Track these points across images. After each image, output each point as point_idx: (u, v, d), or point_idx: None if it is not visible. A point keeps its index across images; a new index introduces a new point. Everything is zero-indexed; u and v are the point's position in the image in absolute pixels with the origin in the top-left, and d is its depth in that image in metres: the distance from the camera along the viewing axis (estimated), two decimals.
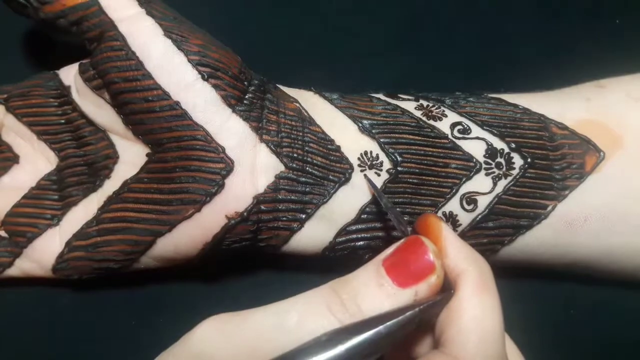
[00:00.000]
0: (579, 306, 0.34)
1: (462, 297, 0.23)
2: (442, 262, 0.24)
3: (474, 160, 0.30)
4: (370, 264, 0.24)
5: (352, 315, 0.22)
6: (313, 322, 0.22)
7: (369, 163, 0.30)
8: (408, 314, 0.22)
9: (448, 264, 0.24)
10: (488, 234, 0.30)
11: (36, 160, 0.33)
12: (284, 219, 0.29)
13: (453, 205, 0.30)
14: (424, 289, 0.23)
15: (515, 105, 0.31)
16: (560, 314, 0.34)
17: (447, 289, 0.24)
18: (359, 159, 0.30)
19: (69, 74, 0.32)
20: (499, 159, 0.30)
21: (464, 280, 0.23)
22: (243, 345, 0.22)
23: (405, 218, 0.30)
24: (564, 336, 0.33)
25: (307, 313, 0.23)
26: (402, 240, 0.25)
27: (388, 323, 0.22)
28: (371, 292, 0.23)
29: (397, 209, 0.29)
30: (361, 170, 0.30)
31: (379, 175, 0.30)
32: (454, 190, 0.30)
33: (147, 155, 0.30)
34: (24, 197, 0.32)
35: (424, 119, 0.31)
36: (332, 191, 0.29)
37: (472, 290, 0.23)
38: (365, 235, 0.30)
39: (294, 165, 0.29)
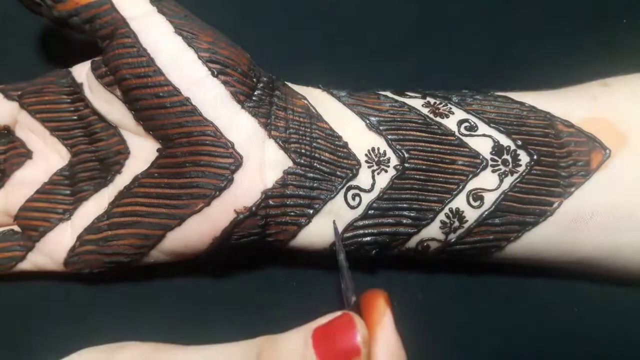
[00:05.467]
0: (582, 304, 0.34)
1: None
2: (369, 350, 0.23)
3: (481, 157, 0.30)
4: (301, 330, 0.24)
5: None
6: None
7: (376, 159, 0.30)
8: None
9: (373, 351, 0.24)
10: (494, 231, 0.30)
11: (49, 156, 0.33)
12: (292, 214, 0.30)
13: (459, 202, 0.30)
14: None
15: (522, 103, 0.32)
16: (564, 311, 0.34)
17: None
18: (366, 155, 0.30)
19: (82, 71, 0.32)
20: (505, 156, 0.30)
21: None
22: None
23: (412, 214, 0.30)
24: (567, 334, 0.33)
25: None
26: (337, 314, 0.24)
27: None
28: None
29: (349, 272, 0.28)
30: (368, 167, 0.30)
31: (386, 171, 0.30)
32: (460, 187, 0.30)
33: (158, 150, 0.30)
34: (37, 192, 0.32)
35: (431, 116, 0.31)
36: (339, 187, 0.30)
37: None
38: (372, 230, 0.30)
39: (302, 161, 0.30)
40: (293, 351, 0.23)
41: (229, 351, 0.24)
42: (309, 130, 0.30)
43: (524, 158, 0.30)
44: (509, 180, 0.30)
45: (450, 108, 0.31)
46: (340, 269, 0.28)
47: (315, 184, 0.30)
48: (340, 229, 0.30)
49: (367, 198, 0.30)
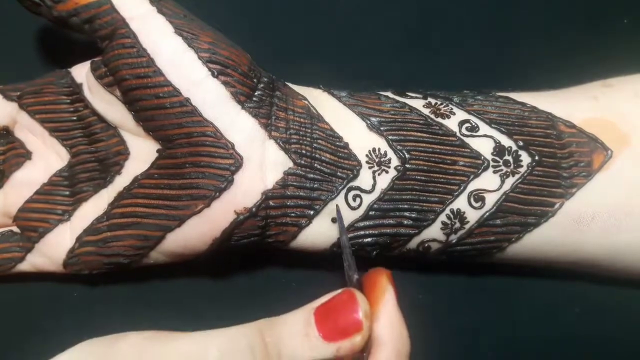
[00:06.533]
0: (583, 305, 0.34)
1: None
2: (371, 324, 0.24)
3: (482, 157, 0.30)
4: (303, 309, 0.24)
5: (271, 359, 0.23)
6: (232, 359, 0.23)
7: (377, 160, 0.30)
8: None
9: (375, 328, 0.24)
10: (495, 232, 0.30)
11: (48, 157, 0.33)
12: (293, 215, 0.30)
13: (461, 203, 0.30)
14: (346, 346, 0.23)
15: (523, 104, 0.31)
16: (565, 312, 0.34)
17: (365, 351, 0.23)
18: (367, 155, 0.30)
19: (81, 72, 0.32)
20: (506, 157, 0.30)
21: (380, 353, 0.23)
22: None
23: (413, 215, 0.30)
24: (568, 334, 0.33)
25: (230, 349, 0.23)
26: (338, 291, 0.25)
27: None
28: (295, 340, 0.23)
29: (352, 252, 0.28)
30: (369, 167, 0.30)
31: (387, 172, 0.30)
32: (461, 188, 0.30)
33: (158, 151, 0.30)
34: (36, 192, 0.32)
35: (432, 116, 0.31)
36: (340, 188, 0.30)
37: None
38: (373, 231, 0.30)
39: (303, 162, 0.30)
40: (295, 330, 0.24)
41: (230, 334, 0.24)
42: (309, 130, 0.30)
43: (525, 159, 0.30)
44: (510, 181, 0.30)
45: (452, 108, 0.31)
46: (342, 248, 0.28)
47: (315, 185, 0.30)
48: None
49: (367, 199, 0.30)
